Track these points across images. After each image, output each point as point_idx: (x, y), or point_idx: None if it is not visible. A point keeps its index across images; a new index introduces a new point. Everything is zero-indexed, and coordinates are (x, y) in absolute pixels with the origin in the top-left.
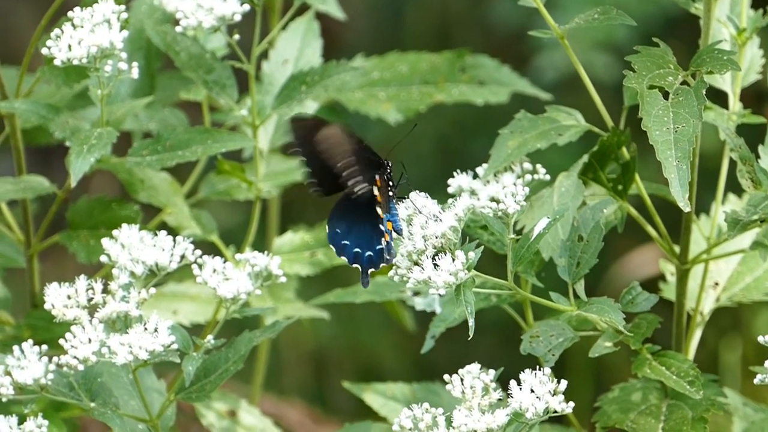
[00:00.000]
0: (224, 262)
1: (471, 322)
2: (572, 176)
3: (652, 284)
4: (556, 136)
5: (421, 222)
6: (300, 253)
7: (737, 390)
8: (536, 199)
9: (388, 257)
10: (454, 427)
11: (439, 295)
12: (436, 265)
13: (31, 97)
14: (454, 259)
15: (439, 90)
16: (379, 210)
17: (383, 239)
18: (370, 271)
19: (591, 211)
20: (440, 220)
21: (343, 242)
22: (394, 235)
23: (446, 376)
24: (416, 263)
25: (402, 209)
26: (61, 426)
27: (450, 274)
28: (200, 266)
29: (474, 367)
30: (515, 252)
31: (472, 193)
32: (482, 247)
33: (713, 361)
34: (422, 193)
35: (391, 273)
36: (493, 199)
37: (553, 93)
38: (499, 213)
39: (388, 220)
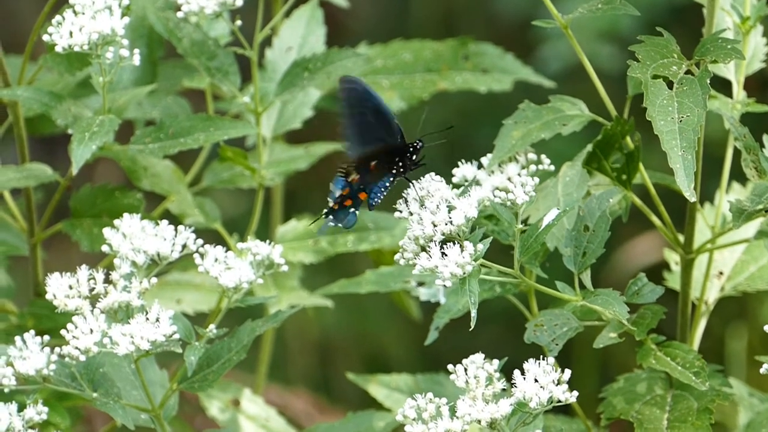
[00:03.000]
0: (226, 250)
1: (473, 313)
2: (576, 166)
3: (654, 272)
4: (560, 126)
5: (432, 207)
6: (303, 241)
7: (743, 378)
8: (540, 189)
9: (332, 221)
10: (458, 417)
11: (444, 286)
12: (443, 254)
13: (33, 85)
14: (462, 250)
15: (442, 78)
16: (338, 184)
17: (334, 204)
18: (329, 218)
19: (597, 200)
20: (454, 207)
21: (341, 179)
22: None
23: (450, 366)
24: (423, 249)
25: (414, 191)
26: (64, 415)
27: (457, 266)
28: (202, 255)
29: (478, 357)
30: (523, 242)
31: (477, 183)
32: (491, 238)
33: (719, 349)
34: (437, 177)
35: (397, 256)
36: (501, 189)
37: (557, 82)
38: (508, 203)
39: (362, 192)
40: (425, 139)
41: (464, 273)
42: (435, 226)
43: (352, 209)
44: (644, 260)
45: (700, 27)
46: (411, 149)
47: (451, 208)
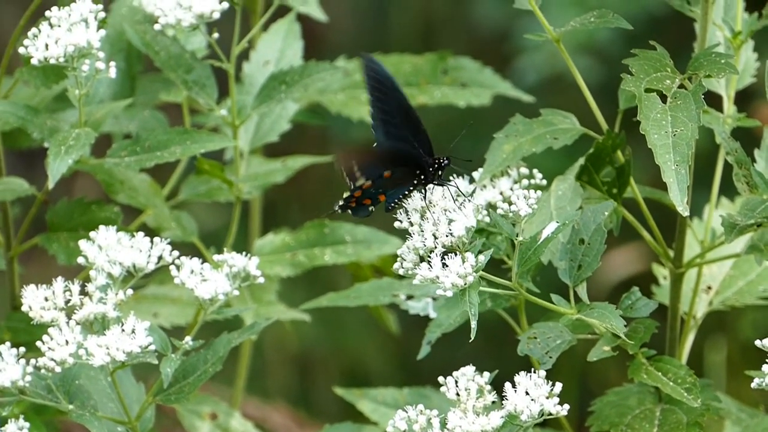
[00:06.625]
0: (202, 263)
1: (474, 324)
2: (568, 179)
3: (635, 283)
4: (551, 139)
5: (434, 218)
6: (281, 255)
7: (722, 391)
8: None
9: (352, 214)
10: (448, 429)
11: (433, 299)
12: (444, 264)
13: (9, 98)
14: (464, 261)
15: (421, 92)
16: (355, 180)
17: (352, 202)
18: (347, 211)
19: (592, 213)
20: (453, 219)
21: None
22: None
23: (441, 378)
24: (422, 259)
25: (417, 200)
26: (42, 429)
27: (459, 276)
28: (178, 267)
29: (468, 370)
30: (521, 255)
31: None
32: (491, 249)
33: (698, 361)
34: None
35: (396, 266)
36: (504, 200)
37: (534, 95)
38: (510, 214)
39: (381, 194)
40: (452, 159)
41: (465, 284)
42: (436, 238)
43: (371, 207)
44: (622, 273)
45: (679, 40)
46: (436, 165)
47: (450, 220)
